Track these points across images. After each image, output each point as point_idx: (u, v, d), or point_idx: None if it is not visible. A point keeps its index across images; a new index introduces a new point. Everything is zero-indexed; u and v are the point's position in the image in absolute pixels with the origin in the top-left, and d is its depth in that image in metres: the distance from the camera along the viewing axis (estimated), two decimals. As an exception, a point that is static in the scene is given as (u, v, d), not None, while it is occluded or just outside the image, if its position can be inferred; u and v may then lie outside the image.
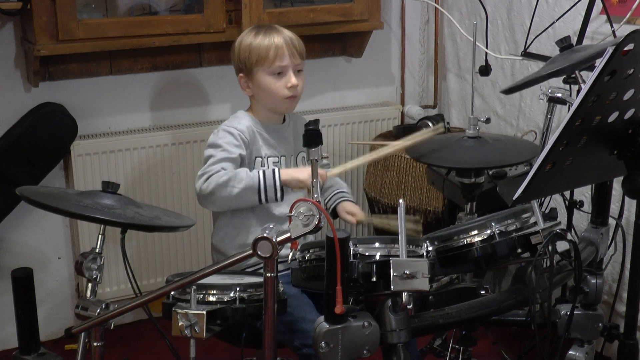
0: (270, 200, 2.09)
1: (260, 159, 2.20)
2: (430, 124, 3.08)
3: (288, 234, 1.54)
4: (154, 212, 1.97)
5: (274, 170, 2.08)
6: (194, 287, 1.72)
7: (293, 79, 2.19)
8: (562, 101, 2.21)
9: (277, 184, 2.07)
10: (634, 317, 1.94)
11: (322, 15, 3.05)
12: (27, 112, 2.82)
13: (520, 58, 2.79)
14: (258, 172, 2.08)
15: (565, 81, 2.31)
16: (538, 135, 2.95)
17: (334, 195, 2.34)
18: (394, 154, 3.04)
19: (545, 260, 1.66)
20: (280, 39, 2.18)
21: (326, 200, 2.33)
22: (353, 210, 2.28)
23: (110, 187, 1.93)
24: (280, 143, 2.26)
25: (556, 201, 2.70)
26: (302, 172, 2.08)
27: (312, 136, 1.59)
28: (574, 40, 2.33)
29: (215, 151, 2.12)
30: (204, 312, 1.69)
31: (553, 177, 1.52)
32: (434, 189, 2.80)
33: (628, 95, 1.49)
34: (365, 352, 1.55)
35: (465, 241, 1.64)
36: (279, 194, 2.07)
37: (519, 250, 1.63)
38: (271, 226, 1.59)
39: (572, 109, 1.41)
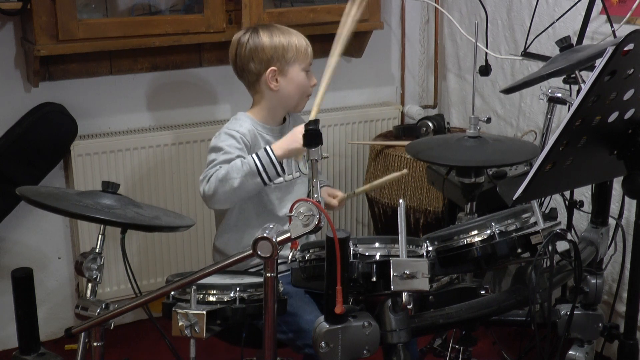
0: (273, 178, 2.07)
1: None
2: (429, 123, 3.08)
3: (288, 234, 1.54)
4: (154, 212, 1.97)
5: (266, 149, 2.07)
6: (194, 287, 1.72)
7: (314, 78, 2.25)
8: (562, 101, 2.20)
9: (274, 160, 2.05)
10: (634, 317, 1.94)
11: (322, 15, 3.05)
12: (27, 112, 2.82)
13: (520, 58, 2.79)
14: (252, 156, 2.07)
15: (565, 81, 2.31)
16: (538, 135, 2.95)
17: None
18: (394, 154, 3.06)
19: (545, 260, 1.65)
20: (305, 38, 2.24)
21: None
22: (334, 193, 2.32)
23: (110, 187, 1.93)
24: None
25: (556, 201, 2.70)
26: (294, 141, 2.05)
27: (312, 136, 1.59)
28: (574, 40, 2.33)
29: (217, 155, 2.12)
30: (204, 312, 1.69)
31: (553, 177, 1.52)
32: (434, 189, 2.80)
33: (628, 95, 1.49)
34: (365, 352, 1.55)
35: (465, 241, 1.64)
36: (279, 169, 2.06)
37: (519, 250, 1.63)
38: (271, 226, 1.59)
39: (572, 109, 1.41)
